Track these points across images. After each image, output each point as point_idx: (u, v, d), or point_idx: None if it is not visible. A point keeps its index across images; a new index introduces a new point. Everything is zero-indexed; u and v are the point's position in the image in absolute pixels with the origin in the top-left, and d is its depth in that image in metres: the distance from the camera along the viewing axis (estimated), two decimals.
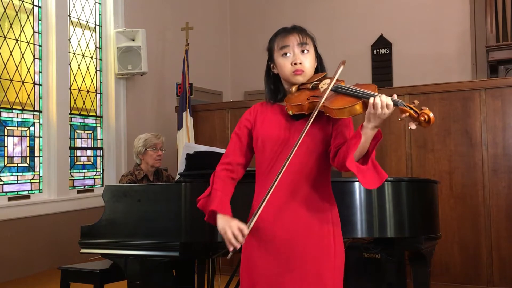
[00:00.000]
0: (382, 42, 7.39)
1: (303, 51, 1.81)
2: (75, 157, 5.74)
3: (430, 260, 3.02)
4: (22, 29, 5.18)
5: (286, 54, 1.81)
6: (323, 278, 1.75)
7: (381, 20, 7.36)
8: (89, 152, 5.94)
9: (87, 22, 6.00)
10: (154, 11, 6.77)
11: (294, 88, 1.83)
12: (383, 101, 1.61)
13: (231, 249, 1.65)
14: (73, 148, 5.69)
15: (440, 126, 4.26)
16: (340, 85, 1.75)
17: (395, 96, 1.67)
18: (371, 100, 1.63)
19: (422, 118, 1.62)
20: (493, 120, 4.12)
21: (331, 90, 1.74)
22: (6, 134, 4.95)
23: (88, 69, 5.97)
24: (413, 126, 1.64)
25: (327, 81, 1.81)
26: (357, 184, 2.71)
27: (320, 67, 1.90)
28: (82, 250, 2.84)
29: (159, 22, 6.82)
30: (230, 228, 1.67)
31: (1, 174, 4.88)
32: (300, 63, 1.79)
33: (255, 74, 8.18)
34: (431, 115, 1.62)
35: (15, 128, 5.05)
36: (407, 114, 1.64)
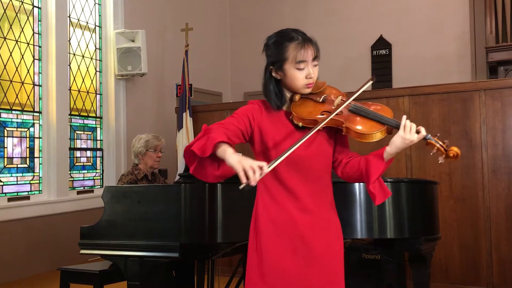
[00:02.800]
0: (381, 43, 7.39)
1: (315, 65, 1.83)
2: (75, 158, 5.73)
3: (429, 261, 3.02)
4: (22, 30, 5.18)
5: (302, 68, 1.80)
6: (339, 279, 1.84)
7: (381, 21, 7.36)
8: (88, 153, 5.94)
9: (87, 23, 6.00)
10: (154, 12, 6.77)
11: (297, 97, 1.85)
12: (413, 128, 1.71)
13: (244, 181, 1.54)
14: (72, 149, 5.69)
15: (439, 127, 4.26)
16: (359, 106, 1.80)
17: (423, 131, 1.73)
18: (404, 121, 1.71)
19: (451, 154, 1.71)
20: (493, 121, 4.12)
21: (349, 110, 1.79)
22: (5, 135, 4.94)
23: (87, 70, 5.97)
24: (442, 160, 1.74)
25: (340, 97, 1.85)
26: (357, 185, 2.71)
27: None
28: (82, 251, 2.84)
29: (159, 23, 6.82)
30: (248, 162, 1.56)
31: (1, 175, 4.87)
32: (313, 77, 1.82)
33: (255, 75, 8.15)
34: (458, 150, 1.72)
35: (15, 129, 5.05)
36: (435, 148, 1.73)
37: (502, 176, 4.08)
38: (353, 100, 1.81)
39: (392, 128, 1.76)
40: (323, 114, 1.77)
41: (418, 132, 1.72)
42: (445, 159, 1.72)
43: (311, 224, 1.81)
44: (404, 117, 1.74)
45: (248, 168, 1.54)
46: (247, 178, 1.53)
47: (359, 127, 1.74)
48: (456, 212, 4.19)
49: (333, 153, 1.88)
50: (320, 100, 1.82)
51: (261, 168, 1.56)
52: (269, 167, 1.59)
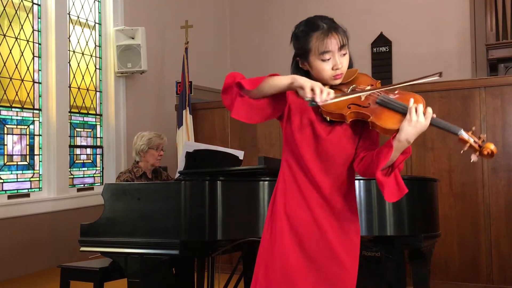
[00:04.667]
0: (382, 40, 7.38)
1: (343, 54, 1.71)
2: (75, 155, 5.74)
3: (429, 258, 3.02)
4: (22, 27, 5.17)
5: (327, 59, 1.69)
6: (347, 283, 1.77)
7: (381, 18, 7.35)
8: (88, 151, 5.94)
9: (87, 20, 5.99)
10: (154, 9, 6.76)
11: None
12: (420, 110, 1.57)
13: (317, 99, 1.54)
14: (72, 147, 5.69)
15: None
16: (388, 98, 1.66)
17: (430, 110, 1.59)
18: (411, 104, 1.57)
19: (486, 152, 1.55)
20: (493, 119, 4.12)
21: (377, 102, 1.65)
22: (5, 132, 4.94)
23: (87, 67, 5.97)
24: (474, 158, 1.58)
25: (369, 86, 1.73)
26: (357, 182, 2.71)
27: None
28: (82, 248, 2.84)
29: (159, 20, 6.81)
30: (317, 83, 1.57)
31: (1, 173, 4.88)
32: (341, 67, 1.71)
33: (255, 72, 8.16)
34: (494, 148, 1.55)
35: (15, 126, 5.05)
36: (468, 145, 1.56)
37: (502, 174, 4.08)
38: (385, 90, 1.67)
39: None
40: (350, 108, 1.65)
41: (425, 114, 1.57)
42: (478, 156, 1.57)
43: (325, 232, 1.74)
44: (412, 100, 1.60)
45: (317, 86, 1.56)
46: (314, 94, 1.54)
47: (384, 122, 1.61)
48: (456, 210, 4.19)
49: (356, 148, 1.75)
50: (348, 91, 1.71)
51: (328, 93, 1.56)
52: (336, 97, 1.58)
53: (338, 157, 1.73)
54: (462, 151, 1.60)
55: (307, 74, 1.75)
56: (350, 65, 1.78)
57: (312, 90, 1.56)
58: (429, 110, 1.58)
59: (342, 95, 1.66)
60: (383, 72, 7.25)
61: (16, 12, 5.13)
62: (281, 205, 1.76)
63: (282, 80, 1.62)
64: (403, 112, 1.61)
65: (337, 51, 1.69)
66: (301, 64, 1.77)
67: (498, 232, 4.07)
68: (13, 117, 5.03)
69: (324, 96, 1.55)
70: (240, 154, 3.33)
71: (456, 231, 4.18)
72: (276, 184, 1.83)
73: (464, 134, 1.57)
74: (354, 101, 1.68)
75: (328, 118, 1.70)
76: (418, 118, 1.56)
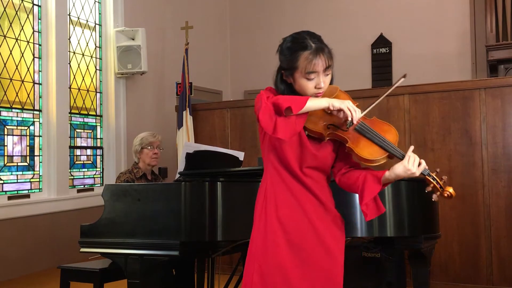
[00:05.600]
0: (382, 42, 7.39)
1: (326, 74, 1.81)
2: (75, 156, 5.74)
3: (429, 259, 3.02)
4: (22, 28, 5.17)
5: (312, 79, 1.78)
6: (338, 277, 1.87)
7: (381, 20, 7.35)
8: (89, 151, 5.94)
9: (87, 21, 6.00)
10: (154, 10, 6.77)
11: None
12: (416, 161, 1.78)
13: (350, 118, 1.70)
14: (73, 147, 5.69)
15: (440, 125, 4.26)
16: (366, 126, 1.80)
17: (423, 164, 1.79)
18: (410, 153, 1.77)
19: (446, 195, 1.78)
20: (493, 120, 4.12)
21: (355, 129, 1.80)
22: (6, 133, 4.95)
23: (88, 68, 5.97)
24: (435, 198, 1.79)
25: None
26: None
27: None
28: (82, 249, 2.84)
29: (159, 21, 6.82)
30: (347, 102, 1.72)
31: (1, 173, 4.88)
32: (323, 86, 1.80)
33: (255, 73, 8.21)
34: (453, 191, 1.78)
35: (15, 127, 5.05)
36: (431, 185, 1.78)
37: (502, 175, 4.08)
38: (364, 115, 1.79)
39: (394, 156, 1.79)
40: (329, 128, 1.78)
41: (419, 164, 1.77)
42: (439, 197, 1.78)
43: (319, 225, 1.84)
44: (411, 148, 1.79)
45: (351, 107, 1.70)
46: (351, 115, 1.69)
47: (362, 151, 1.76)
48: (456, 210, 4.19)
49: (335, 159, 1.90)
50: (329, 112, 1.79)
51: (356, 111, 1.71)
52: (362, 112, 1.73)
53: (323, 168, 1.88)
54: (426, 191, 1.81)
55: (290, 87, 1.85)
56: (331, 82, 1.88)
57: (351, 115, 1.70)
58: (423, 164, 1.79)
59: (363, 110, 1.79)
60: (383, 73, 7.25)
61: (16, 13, 5.13)
62: (272, 207, 1.83)
63: (319, 104, 1.72)
64: (382, 146, 1.78)
65: (322, 72, 1.78)
66: (285, 77, 1.85)
67: (498, 232, 4.07)
68: (13, 118, 5.04)
69: (358, 115, 1.71)
70: (240, 155, 3.33)
71: (456, 232, 4.18)
72: (261, 188, 1.89)
73: (430, 175, 1.79)
74: (333, 120, 1.79)
75: (307, 133, 1.81)
76: (413, 168, 1.76)
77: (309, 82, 1.78)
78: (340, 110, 1.71)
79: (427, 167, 1.78)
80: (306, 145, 1.81)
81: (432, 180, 1.76)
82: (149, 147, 3.64)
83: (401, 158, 1.79)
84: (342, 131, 1.78)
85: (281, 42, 1.85)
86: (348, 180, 1.85)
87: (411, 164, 1.75)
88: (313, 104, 1.70)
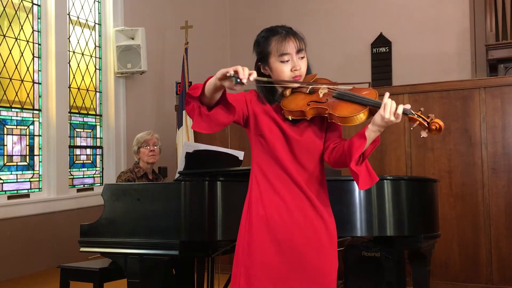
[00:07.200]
0: (381, 41, 7.38)
1: (301, 57, 1.82)
2: (75, 156, 5.74)
3: (429, 258, 3.02)
4: (22, 28, 5.17)
5: (286, 61, 1.81)
6: (330, 275, 1.81)
7: (381, 19, 7.35)
8: (88, 151, 5.94)
9: (87, 20, 6.00)
10: (154, 9, 6.76)
11: (288, 92, 1.85)
12: (393, 107, 1.67)
13: (240, 76, 1.58)
14: (72, 147, 5.69)
15: None
16: (343, 91, 1.78)
17: (408, 106, 1.70)
18: (386, 100, 1.67)
19: (434, 127, 1.68)
20: (493, 119, 4.12)
21: (333, 96, 1.78)
22: (5, 132, 4.94)
23: (87, 67, 5.97)
24: (424, 134, 1.71)
25: (325, 85, 1.84)
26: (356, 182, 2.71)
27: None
28: (82, 249, 2.84)
29: (159, 20, 6.81)
30: (239, 66, 1.62)
31: (1, 173, 4.87)
32: (300, 69, 1.81)
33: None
34: (441, 123, 1.68)
35: (15, 127, 5.05)
36: (417, 122, 1.70)
37: (501, 174, 4.08)
38: (341, 85, 1.80)
39: (376, 109, 1.72)
40: (309, 105, 1.78)
41: (398, 110, 1.68)
42: (428, 133, 1.70)
43: (305, 223, 1.79)
44: (387, 94, 1.71)
45: (239, 67, 1.59)
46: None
47: (340, 111, 1.73)
48: (456, 210, 4.19)
49: (324, 143, 1.86)
50: (308, 92, 1.82)
51: (251, 73, 1.61)
52: (259, 77, 1.66)
53: (313, 154, 1.84)
54: (411, 128, 1.72)
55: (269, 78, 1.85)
56: (309, 71, 1.89)
57: (236, 71, 1.59)
58: (400, 109, 1.67)
59: (268, 79, 1.80)
60: (382, 73, 7.25)
61: (16, 13, 5.13)
62: (257, 206, 1.81)
63: (215, 76, 1.64)
64: (360, 102, 1.73)
65: (295, 54, 1.80)
66: (263, 69, 1.87)
67: (498, 232, 4.07)
68: (13, 118, 5.03)
69: (246, 73, 1.59)
70: (240, 154, 3.33)
71: (456, 232, 4.18)
72: (248, 191, 1.88)
73: (413, 114, 1.69)
74: (313, 98, 1.80)
75: (290, 117, 1.80)
76: (390, 116, 1.66)
77: (284, 66, 1.80)
78: (226, 72, 1.59)
79: (408, 108, 1.69)
80: (287, 133, 1.80)
81: (417, 118, 1.69)
82: (145, 146, 3.66)
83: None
84: (321, 103, 1.77)
85: (256, 37, 1.89)
86: (336, 153, 1.80)
87: (388, 112, 1.66)
88: (209, 81, 1.65)
